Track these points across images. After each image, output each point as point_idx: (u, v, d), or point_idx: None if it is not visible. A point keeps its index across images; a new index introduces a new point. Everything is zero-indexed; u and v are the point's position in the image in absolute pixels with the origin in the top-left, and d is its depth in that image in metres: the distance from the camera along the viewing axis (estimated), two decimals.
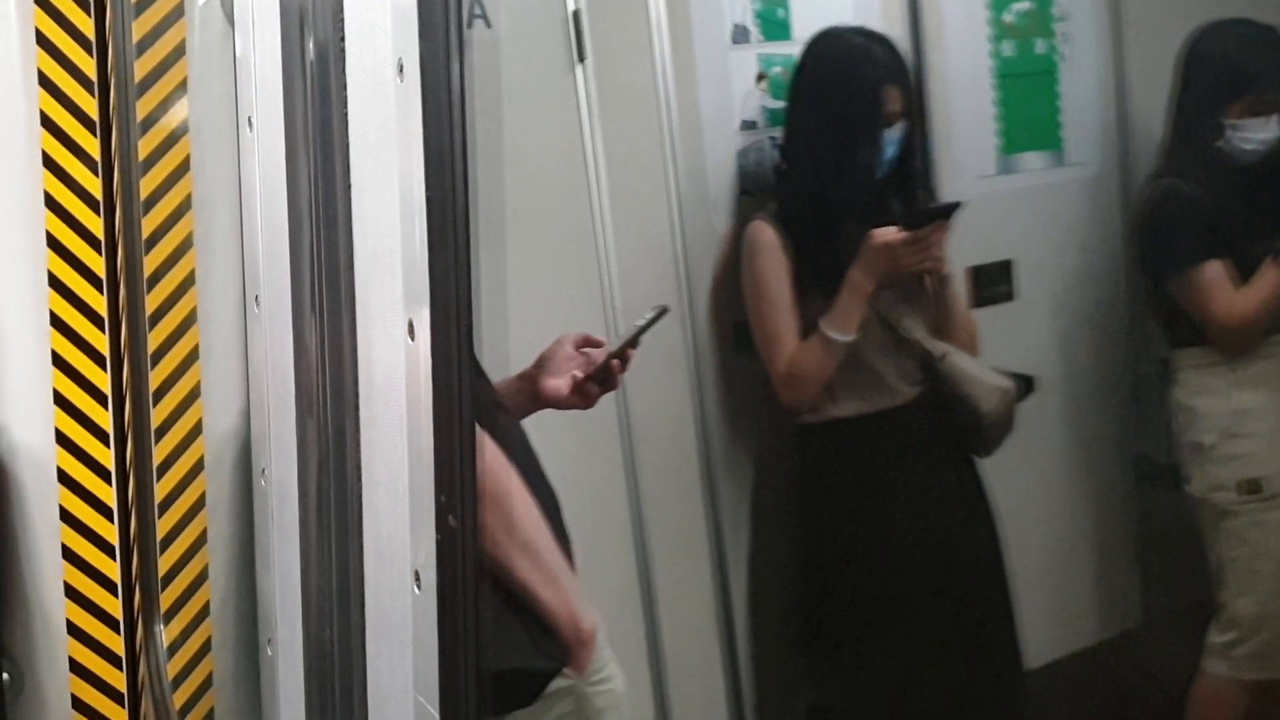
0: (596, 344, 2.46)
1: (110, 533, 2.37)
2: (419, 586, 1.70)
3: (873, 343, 3.21)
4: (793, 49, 3.36)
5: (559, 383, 2.41)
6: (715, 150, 3.40)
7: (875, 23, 3.47)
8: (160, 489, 2.41)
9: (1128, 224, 3.96)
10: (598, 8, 3.11)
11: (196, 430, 2.44)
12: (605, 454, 3.17)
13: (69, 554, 2.37)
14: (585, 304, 3.12)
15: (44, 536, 2.38)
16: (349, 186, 1.88)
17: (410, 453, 1.71)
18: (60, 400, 2.35)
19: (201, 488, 2.45)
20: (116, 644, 2.39)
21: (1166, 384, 3.61)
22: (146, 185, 2.38)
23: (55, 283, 2.34)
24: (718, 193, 3.40)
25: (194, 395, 2.43)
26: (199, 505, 2.44)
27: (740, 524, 3.42)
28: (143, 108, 2.38)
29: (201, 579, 2.45)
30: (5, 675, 2.39)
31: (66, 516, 2.36)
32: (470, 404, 1.64)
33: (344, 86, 1.87)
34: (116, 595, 2.38)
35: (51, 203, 2.33)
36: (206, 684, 2.46)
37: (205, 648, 2.46)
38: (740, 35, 3.45)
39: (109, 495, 2.37)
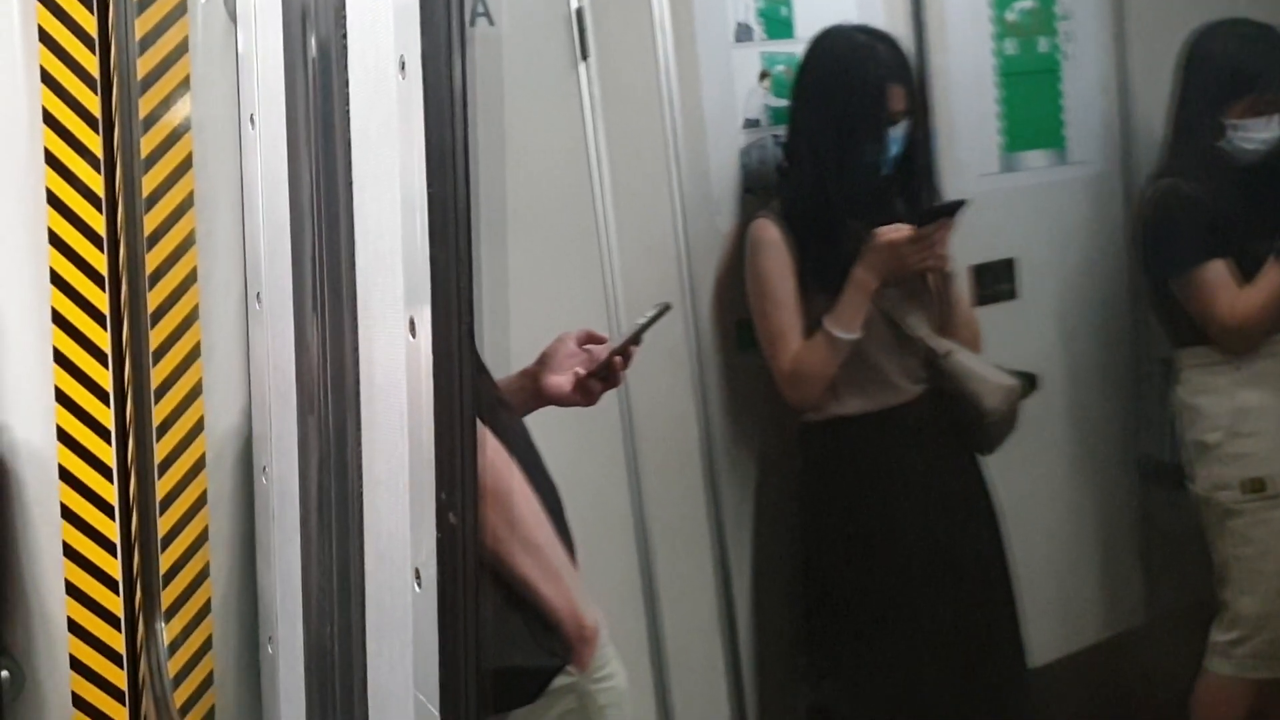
0: (599, 341, 2.46)
1: (111, 530, 2.37)
2: (419, 584, 1.70)
3: (876, 340, 3.21)
4: (796, 47, 3.36)
5: (561, 380, 2.41)
6: (718, 148, 3.39)
7: (878, 21, 3.47)
8: (161, 486, 2.41)
9: (1130, 223, 3.96)
10: (601, 6, 3.11)
11: (198, 428, 2.44)
12: (608, 451, 3.17)
13: (70, 551, 2.37)
14: (588, 301, 3.12)
15: (45, 534, 2.38)
16: (350, 184, 1.88)
17: (411, 450, 1.70)
18: (62, 397, 2.35)
19: (203, 485, 2.44)
20: (117, 641, 2.39)
21: (1169, 383, 3.61)
22: (149, 182, 2.38)
23: (57, 280, 2.33)
24: (721, 191, 3.40)
25: (195, 393, 2.43)
26: (200, 503, 2.44)
27: (743, 521, 3.42)
28: (145, 105, 2.38)
29: (202, 577, 2.45)
30: (5, 672, 2.39)
31: (68, 514, 2.36)
32: (471, 402, 1.64)
33: (346, 84, 1.86)
34: (117, 593, 2.38)
35: (54, 200, 2.33)
36: (207, 682, 2.46)
37: (206, 645, 2.46)
38: (743, 33, 3.44)
39: (110, 493, 2.37)
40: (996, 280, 3.84)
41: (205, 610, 2.45)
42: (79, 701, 2.39)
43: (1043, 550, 3.87)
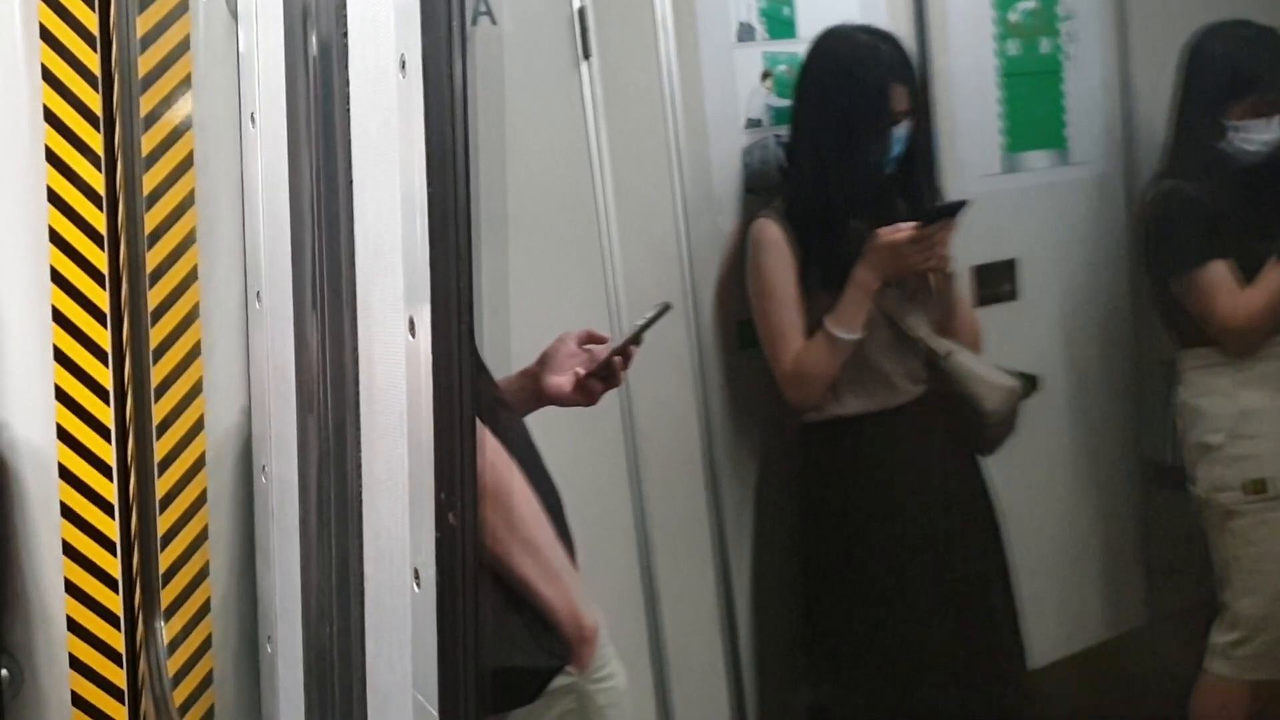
0: (599, 340, 2.46)
1: (111, 529, 2.37)
2: (418, 584, 1.69)
3: (877, 341, 3.21)
4: (798, 47, 3.36)
5: (561, 380, 2.41)
6: (720, 148, 3.39)
7: (881, 21, 3.47)
8: (161, 485, 2.41)
9: (1131, 224, 3.96)
10: (603, 5, 3.11)
11: (198, 426, 2.44)
12: (608, 451, 3.17)
13: (69, 550, 2.36)
14: (589, 301, 3.12)
15: (44, 532, 2.38)
16: (351, 183, 1.88)
17: (410, 450, 1.70)
18: (62, 396, 2.35)
19: (203, 484, 2.44)
20: (117, 640, 2.39)
21: (1171, 384, 3.61)
22: (149, 181, 2.38)
23: (57, 278, 2.33)
24: (722, 190, 3.40)
25: (196, 391, 2.43)
26: (200, 502, 2.44)
27: (743, 521, 3.42)
28: (146, 103, 2.37)
29: (202, 576, 2.45)
30: (4, 671, 2.39)
31: (67, 512, 2.36)
32: (471, 402, 1.64)
33: (346, 82, 1.87)
34: (117, 591, 2.38)
35: (54, 198, 2.32)
36: (206, 681, 2.46)
37: (205, 645, 2.45)
38: (745, 33, 3.44)
39: (110, 491, 2.37)
40: (998, 281, 3.84)
41: (205, 609, 2.45)
42: (78, 700, 2.39)
43: (1043, 551, 3.86)
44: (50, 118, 2.31)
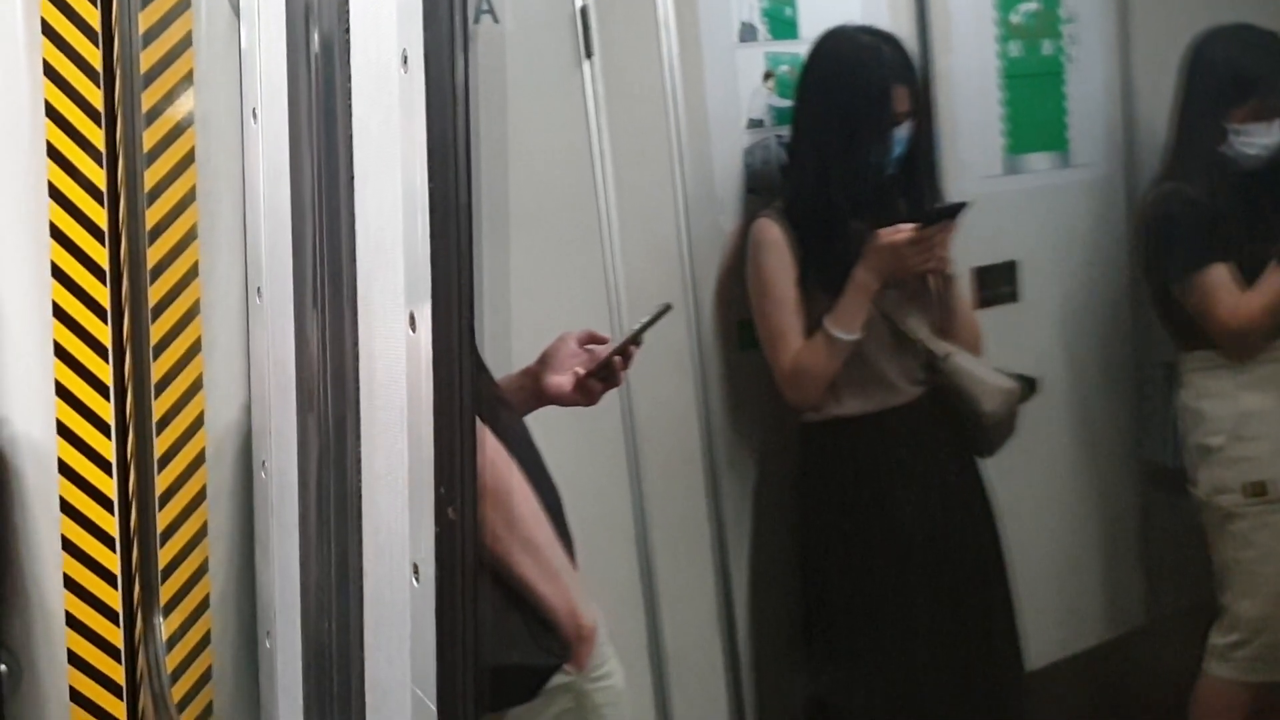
0: (600, 340, 2.46)
1: (110, 524, 2.37)
2: (417, 579, 1.70)
3: (876, 342, 3.21)
4: (800, 47, 3.36)
5: (562, 379, 2.41)
6: (722, 148, 3.39)
7: (883, 22, 3.46)
8: (161, 481, 2.41)
9: (1132, 226, 3.96)
10: (605, 4, 3.11)
11: (198, 423, 2.44)
12: (608, 450, 3.17)
13: (69, 545, 2.36)
14: (590, 301, 3.12)
15: (44, 528, 2.38)
16: (352, 178, 1.88)
17: (410, 445, 1.71)
18: (62, 392, 2.35)
19: (203, 480, 2.44)
20: (115, 636, 2.38)
21: (1172, 386, 3.61)
22: (151, 177, 2.38)
23: (58, 274, 2.33)
24: (724, 190, 3.40)
25: (196, 388, 2.43)
26: (200, 498, 2.44)
27: (742, 521, 3.42)
28: (148, 99, 2.38)
29: (201, 571, 2.45)
30: (3, 666, 2.39)
31: (67, 508, 2.36)
32: (471, 397, 1.64)
33: (348, 78, 1.87)
34: (116, 587, 2.38)
35: (55, 193, 2.32)
36: (205, 677, 2.46)
37: (204, 640, 2.46)
38: (748, 33, 3.44)
39: (109, 487, 2.37)
40: (999, 283, 3.84)
41: (204, 605, 2.45)
42: (76, 696, 2.39)
43: (1043, 552, 3.86)
44: (51, 113, 2.31)
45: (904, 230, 3.11)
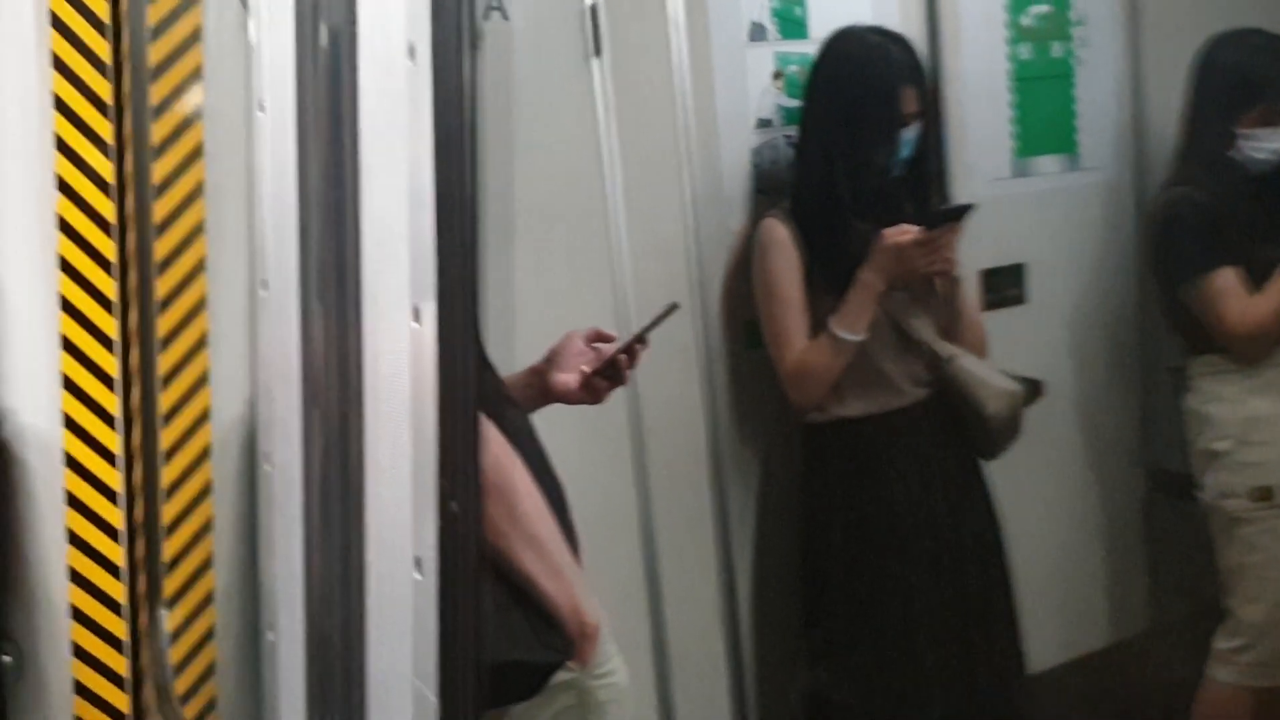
0: (607, 339, 2.46)
1: (115, 517, 2.37)
2: (420, 573, 1.70)
3: (881, 343, 3.20)
4: (809, 47, 3.36)
5: (568, 377, 2.41)
6: (730, 147, 3.39)
7: (893, 23, 3.46)
8: (166, 474, 2.41)
9: (1141, 230, 3.96)
10: (615, 2, 3.11)
11: (204, 416, 2.44)
12: (614, 449, 3.17)
13: (74, 538, 2.36)
14: (597, 299, 3.12)
15: (49, 520, 2.38)
16: (358, 172, 1.88)
17: (414, 439, 1.71)
18: (68, 384, 2.35)
19: (208, 474, 2.45)
20: (119, 628, 2.38)
21: (1179, 391, 3.60)
22: (159, 170, 2.38)
23: (65, 266, 2.33)
24: (732, 190, 3.40)
25: (202, 381, 2.43)
26: (205, 491, 2.44)
27: (746, 520, 3.42)
28: (156, 92, 2.38)
29: (206, 565, 2.45)
30: (7, 658, 2.39)
31: (72, 500, 2.36)
32: (474, 391, 1.64)
33: (355, 71, 1.87)
34: (120, 580, 2.38)
35: (63, 185, 2.32)
36: (209, 670, 2.46)
37: (208, 633, 2.46)
38: (757, 33, 3.44)
39: (115, 479, 2.37)
40: (1006, 285, 3.84)
41: (208, 598, 2.46)
42: (80, 688, 2.39)
43: (1047, 555, 3.86)
44: (60, 106, 2.31)
45: (910, 232, 3.10)
